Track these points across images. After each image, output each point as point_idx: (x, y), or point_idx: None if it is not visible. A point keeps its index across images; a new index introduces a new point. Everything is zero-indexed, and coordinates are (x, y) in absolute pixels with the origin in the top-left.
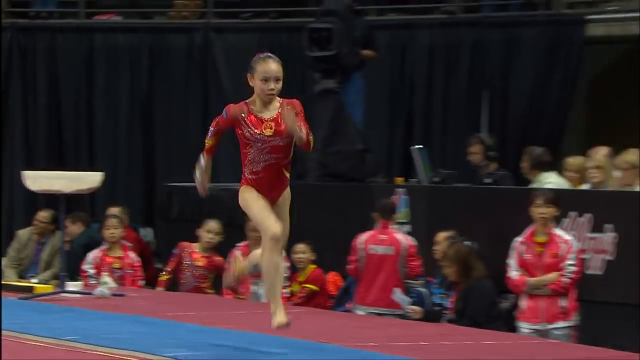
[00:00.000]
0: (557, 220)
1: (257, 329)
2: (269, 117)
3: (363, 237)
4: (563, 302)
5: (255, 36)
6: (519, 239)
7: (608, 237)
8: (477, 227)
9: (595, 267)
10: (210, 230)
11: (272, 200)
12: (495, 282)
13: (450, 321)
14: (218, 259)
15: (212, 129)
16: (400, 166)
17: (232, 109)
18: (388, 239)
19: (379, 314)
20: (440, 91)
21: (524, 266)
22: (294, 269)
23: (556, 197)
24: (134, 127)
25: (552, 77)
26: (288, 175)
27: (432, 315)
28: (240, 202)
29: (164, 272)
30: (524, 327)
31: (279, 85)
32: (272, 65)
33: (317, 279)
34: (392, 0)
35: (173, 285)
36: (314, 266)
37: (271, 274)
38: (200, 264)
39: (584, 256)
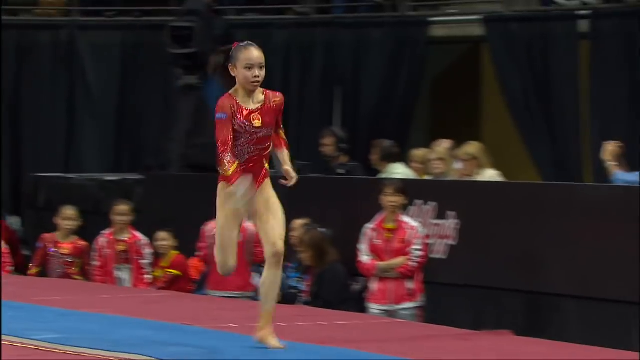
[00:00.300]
0: (405, 208)
1: (122, 312)
2: (255, 108)
3: (212, 225)
4: (410, 284)
5: (119, 34)
6: (370, 225)
7: (450, 224)
8: (331, 215)
9: (439, 251)
10: (66, 217)
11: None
12: (347, 266)
13: (305, 303)
14: (82, 243)
15: (221, 141)
16: None
17: (224, 106)
18: None
19: (230, 298)
20: (295, 87)
21: (374, 251)
22: (157, 255)
23: (404, 187)
24: (1, 120)
25: (399, 75)
26: (267, 166)
27: (288, 297)
28: (217, 203)
29: (31, 266)
30: (374, 307)
31: (263, 72)
32: (254, 52)
33: (179, 264)
34: (249, 0)
35: (42, 276)
36: (176, 252)
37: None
38: (65, 251)
39: (429, 241)
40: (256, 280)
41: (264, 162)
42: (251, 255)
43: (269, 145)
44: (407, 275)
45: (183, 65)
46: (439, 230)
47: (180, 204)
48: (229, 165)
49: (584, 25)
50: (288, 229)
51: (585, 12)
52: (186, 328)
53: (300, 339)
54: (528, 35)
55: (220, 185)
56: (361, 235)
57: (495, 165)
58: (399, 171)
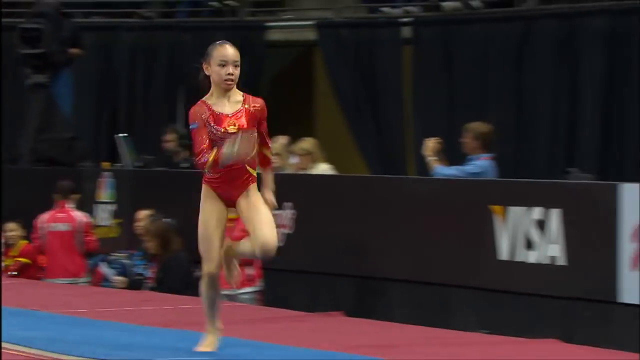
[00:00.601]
0: None
1: None
2: (231, 113)
3: (44, 217)
4: (249, 271)
5: None
6: None
7: (287, 214)
8: (175, 206)
9: None
10: None
11: (233, 198)
12: (191, 254)
13: (151, 289)
14: None
15: (204, 155)
16: (106, 152)
17: (194, 113)
18: (66, 216)
19: (65, 284)
20: (141, 86)
21: None
22: (7, 245)
23: None
24: None
25: (239, 76)
26: (254, 173)
27: (134, 284)
28: (201, 202)
29: None
30: None
31: (238, 71)
32: (229, 50)
33: (29, 253)
34: (96, 4)
35: None
36: (25, 242)
37: (207, 305)
38: None
39: None
40: (104, 269)
41: (247, 168)
42: (82, 244)
43: (251, 151)
44: (247, 262)
45: (32, 65)
46: (276, 220)
47: (29, 196)
48: (209, 157)
49: (407, 32)
50: (133, 219)
51: (408, 20)
52: (36, 313)
53: (147, 322)
54: (357, 40)
55: (204, 188)
56: None
57: (328, 160)
58: None
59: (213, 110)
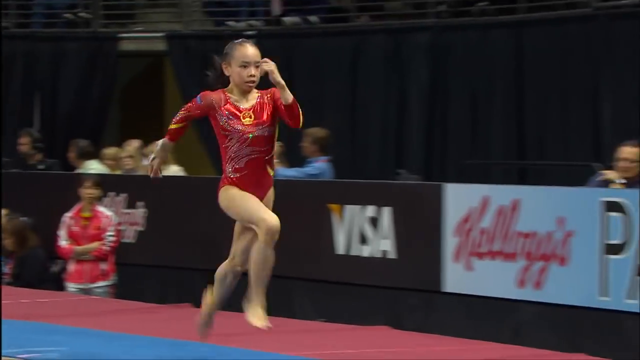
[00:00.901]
0: (100, 199)
1: None
2: (247, 107)
3: None
4: (103, 266)
5: None
6: (68, 214)
7: (140, 212)
8: (32, 205)
9: (130, 236)
10: None
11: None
12: (47, 251)
13: (8, 284)
14: None
15: (180, 112)
16: None
17: (207, 95)
18: None
19: None
20: None
21: (72, 237)
22: None
23: (100, 180)
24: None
25: (93, 83)
26: (272, 173)
27: None
28: (222, 202)
29: None
30: (71, 286)
31: (259, 72)
32: (250, 50)
33: None
34: None
35: None
36: None
37: (260, 266)
38: None
39: (120, 228)
40: None
41: (267, 167)
42: None
43: (270, 149)
44: (101, 257)
45: None
46: (130, 218)
47: None
48: (173, 122)
49: None
50: None
51: (251, 32)
52: None
53: (4, 315)
54: (204, 51)
55: (222, 191)
56: (61, 222)
57: (179, 162)
58: (93, 167)
59: (230, 102)
